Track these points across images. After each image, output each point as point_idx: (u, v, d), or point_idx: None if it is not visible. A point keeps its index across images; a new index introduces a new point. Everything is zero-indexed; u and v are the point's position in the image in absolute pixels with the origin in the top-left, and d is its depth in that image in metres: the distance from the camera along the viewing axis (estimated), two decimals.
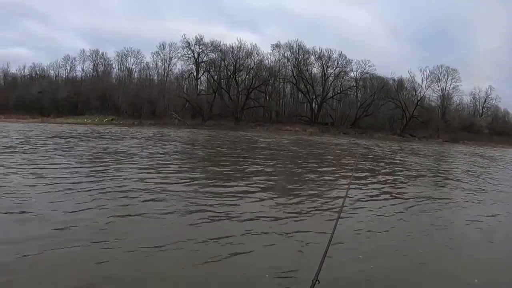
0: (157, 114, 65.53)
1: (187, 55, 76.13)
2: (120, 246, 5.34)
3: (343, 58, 78.46)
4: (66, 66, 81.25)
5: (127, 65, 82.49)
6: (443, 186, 13.23)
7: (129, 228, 6.16)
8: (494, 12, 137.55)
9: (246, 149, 22.89)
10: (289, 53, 79.03)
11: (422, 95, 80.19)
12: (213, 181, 10.90)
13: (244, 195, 9.13)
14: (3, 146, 16.91)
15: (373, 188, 11.38)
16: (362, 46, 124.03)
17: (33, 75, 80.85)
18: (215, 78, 76.60)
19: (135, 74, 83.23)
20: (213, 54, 76.39)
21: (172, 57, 79.15)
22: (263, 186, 10.52)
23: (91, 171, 11.38)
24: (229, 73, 76.07)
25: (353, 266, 5.27)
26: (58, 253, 4.97)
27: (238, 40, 79.88)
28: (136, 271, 4.67)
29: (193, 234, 6.02)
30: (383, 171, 15.95)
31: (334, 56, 78.13)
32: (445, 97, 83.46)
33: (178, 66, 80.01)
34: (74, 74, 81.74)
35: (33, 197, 7.69)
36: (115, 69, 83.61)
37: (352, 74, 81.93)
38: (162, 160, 14.84)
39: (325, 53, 78.16)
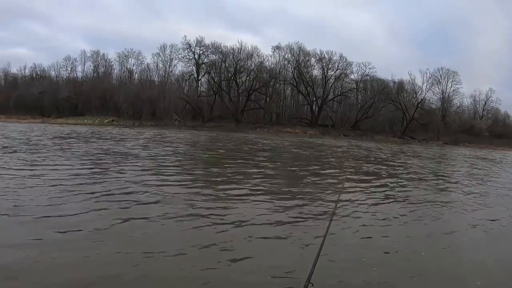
0: (158, 116, 65.57)
1: (187, 56, 76.30)
2: (120, 249, 5.34)
3: (344, 60, 78.56)
4: (66, 67, 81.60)
5: (128, 66, 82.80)
6: (445, 189, 13.20)
7: (129, 231, 6.14)
8: (494, 14, 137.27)
9: (247, 151, 22.85)
10: (289, 55, 79.19)
11: (422, 98, 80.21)
12: (214, 183, 10.86)
13: (246, 198, 9.11)
14: (3, 147, 16.91)
15: (375, 191, 11.35)
16: (362, 48, 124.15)
17: (34, 76, 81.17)
18: (215, 80, 76.70)
19: (136, 75, 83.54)
20: (213, 55, 76.50)
21: (172, 59, 79.34)
22: (264, 189, 10.49)
23: (92, 172, 11.37)
24: (229, 74, 76.15)
25: (352, 268, 5.27)
26: (58, 255, 4.96)
27: (238, 42, 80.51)
28: (137, 271, 4.67)
29: (194, 237, 6.03)
30: (384, 174, 15.94)
31: (334, 58, 78.22)
32: (445, 100, 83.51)
33: (179, 67, 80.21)
34: (75, 75, 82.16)
35: (33, 199, 7.67)
36: (115, 70, 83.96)
37: (352, 76, 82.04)
38: (163, 162, 14.81)
39: (326, 55, 78.26)
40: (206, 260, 5.14)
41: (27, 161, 12.93)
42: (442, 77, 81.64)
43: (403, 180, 14.37)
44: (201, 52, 75.82)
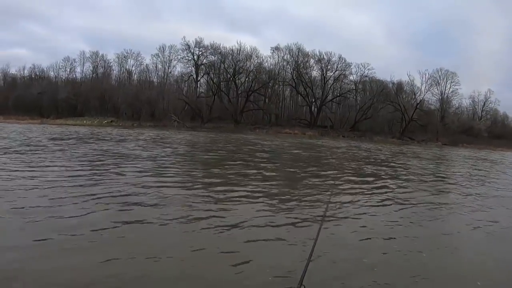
0: (157, 116, 65.61)
1: (186, 57, 76.50)
2: (121, 250, 5.32)
3: (343, 61, 78.71)
4: (66, 68, 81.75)
5: (127, 67, 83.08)
6: (445, 190, 13.20)
7: (130, 232, 6.14)
8: (493, 14, 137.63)
9: (247, 152, 22.82)
10: (288, 56, 79.42)
11: (421, 99, 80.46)
12: (214, 185, 10.83)
13: (246, 200, 9.09)
14: (3, 148, 16.90)
15: (375, 193, 11.36)
16: (361, 49, 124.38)
17: (33, 76, 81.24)
18: (214, 81, 76.83)
19: (135, 76, 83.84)
20: (212, 56, 76.73)
21: (171, 60, 79.65)
22: (264, 190, 10.48)
23: (92, 174, 11.35)
24: (228, 75, 76.28)
25: (353, 268, 5.28)
26: (59, 256, 4.97)
27: (237, 43, 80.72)
28: (137, 272, 4.67)
29: (194, 238, 6.03)
30: (384, 175, 15.92)
31: (333, 59, 78.41)
32: (444, 101, 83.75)
33: (178, 68, 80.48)
34: (74, 76, 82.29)
35: (33, 201, 7.65)
36: (114, 71, 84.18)
37: (351, 77, 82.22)
38: (163, 163, 14.81)
39: (325, 56, 78.45)
40: (207, 261, 5.14)
41: (26, 162, 12.92)
42: (441, 78, 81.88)
43: (403, 181, 14.39)
44: (200, 53, 76.05)
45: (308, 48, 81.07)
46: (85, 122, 57.96)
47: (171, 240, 5.89)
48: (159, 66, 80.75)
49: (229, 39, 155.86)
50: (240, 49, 75.46)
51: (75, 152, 16.70)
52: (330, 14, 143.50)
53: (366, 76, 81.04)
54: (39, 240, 5.46)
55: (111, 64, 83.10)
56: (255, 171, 14.24)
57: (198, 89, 79.48)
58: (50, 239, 5.55)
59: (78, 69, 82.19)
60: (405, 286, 4.92)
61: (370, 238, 6.68)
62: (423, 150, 44.15)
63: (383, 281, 4.91)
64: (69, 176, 10.58)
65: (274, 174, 14.08)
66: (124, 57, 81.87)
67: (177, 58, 78.30)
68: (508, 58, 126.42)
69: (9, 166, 11.91)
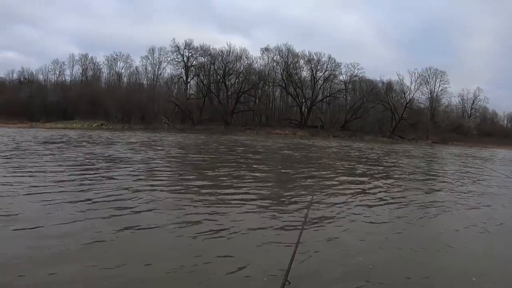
0: (147, 119, 65.30)
1: (176, 59, 76.55)
2: (114, 257, 5.25)
3: (332, 61, 79.14)
4: (55, 71, 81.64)
5: (117, 69, 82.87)
6: (438, 189, 13.13)
7: (123, 239, 6.07)
8: (483, 15, 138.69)
9: (239, 154, 22.78)
10: (278, 56, 79.63)
11: (411, 98, 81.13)
12: (207, 188, 10.75)
13: (240, 203, 9.01)
14: None
15: (369, 192, 11.36)
16: (351, 49, 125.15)
17: (22, 80, 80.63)
18: (204, 82, 76.93)
19: (125, 78, 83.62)
20: (202, 58, 76.86)
21: (161, 62, 79.49)
22: (258, 192, 10.46)
23: (84, 178, 11.17)
24: (218, 77, 76.33)
25: (348, 267, 5.26)
26: (51, 265, 4.87)
27: (227, 44, 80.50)
28: (131, 278, 4.62)
29: (187, 243, 6.00)
30: (377, 174, 15.94)
31: (323, 59, 78.83)
32: (433, 99, 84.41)
33: (168, 70, 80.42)
34: (63, 79, 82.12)
35: (24, 207, 7.52)
36: (104, 74, 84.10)
37: (341, 77, 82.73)
38: (155, 166, 14.74)
39: (314, 57, 78.81)
40: (202, 266, 5.11)
41: (16, 167, 12.76)
42: (430, 77, 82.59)
43: (396, 180, 14.47)
44: (190, 54, 76.10)
45: (298, 48, 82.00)
46: (75, 125, 57.70)
47: (165, 246, 5.84)
48: (149, 68, 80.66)
49: (219, 40, 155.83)
50: (230, 50, 75.69)
51: (66, 156, 16.52)
52: (320, 15, 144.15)
53: (356, 76, 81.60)
54: (30, 249, 5.35)
55: (101, 66, 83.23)
56: (247, 172, 14.23)
57: (188, 91, 79.50)
58: (41, 248, 5.42)
59: (68, 72, 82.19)
60: (400, 284, 4.96)
61: (363, 238, 6.68)
62: (414, 148, 44.36)
63: (378, 281, 4.93)
64: (60, 181, 10.44)
65: (267, 175, 14.06)
66: (114, 59, 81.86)
67: (167, 60, 78.36)
68: (497, 58, 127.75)
69: None
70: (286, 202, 9.45)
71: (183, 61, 75.89)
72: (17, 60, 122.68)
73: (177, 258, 5.37)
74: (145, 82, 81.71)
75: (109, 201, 8.45)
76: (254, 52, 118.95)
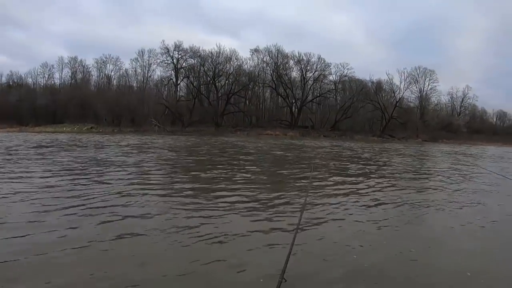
0: (137, 122, 64.93)
1: (166, 61, 76.09)
2: (108, 264, 5.21)
3: (322, 61, 79.25)
4: (44, 74, 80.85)
5: (106, 72, 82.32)
6: (432, 187, 13.18)
7: (117, 245, 6.01)
8: (472, 15, 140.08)
9: (232, 155, 22.73)
10: (268, 57, 79.44)
11: (400, 97, 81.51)
12: (201, 191, 10.73)
13: (234, 205, 8.98)
14: None
15: (363, 193, 11.36)
16: (341, 50, 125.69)
17: (11, 83, 79.89)
18: (194, 84, 76.64)
19: (114, 81, 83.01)
20: (192, 59, 76.50)
21: (151, 64, 79.06)
22: (252, 194, 10.44)
23: (76, 184, 11.06)
24: (208, 78, 76.12)
25: (344, 266, 5.31)
26: (43, 274, 4.81)
27: (217, 46, 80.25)
28: (128, 284, 4.61)
29: (184, 248, 5.98)
30: (370, 173, 15.98)
31: (313, 60, 78.92)
32: (423, 98, 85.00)
33: (158, 72, 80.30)
34: (53, 82, 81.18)
35: (14, 214, 7.45)
36: (94, 77, 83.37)
37: (331, 78, 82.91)
38: (148, 170, 14.64)
39: (304, 57, 78.85)
40: (198, 270, 5.09)
41: (6, 172, 12.66)
42: (420, 76, 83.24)
43: (389, 179, 14.54)
44: (179, 56, 75.78)
45: (288, 49, 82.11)
46: (64, 129, 57.27)
47: (160, 250, 5.81)
48: (139, 70, 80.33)
49: (208, 41, 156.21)
50: (220, 52, 75.45)
51: (58, 161, 16.38)
52: (309, 15, 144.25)
53: (346, 76, 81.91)
54: (22, 257, 5.29)
55: (90, 69, 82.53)
56: (241, 174, 14.23)
57: (178, 93, 79.17)
58: (33, 256, 5.35)
59: (57, 75, 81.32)
60: (396, 281, 5.01)
61: (358, 237, 6.71)
62: (404, 147, 44.59)
63: (373, 279, 4.99)
64: (52, 186, 10.38)
65: (260, 177, 14.07)
66: (103, 62, 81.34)
67: (157, 62, 77.92)
68: (486, 56, 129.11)
69: None
70: (280, 203, 9.42)
71: (173, 63, 75.66)
72: (6, 63, 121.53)
73: (173, 262, 5.35)
74: (135, 84, 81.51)
75: (102, 206, 8.37)
76: (244, 53, 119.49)
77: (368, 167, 19.16)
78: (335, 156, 26.00)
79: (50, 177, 12.09)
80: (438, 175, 17.01)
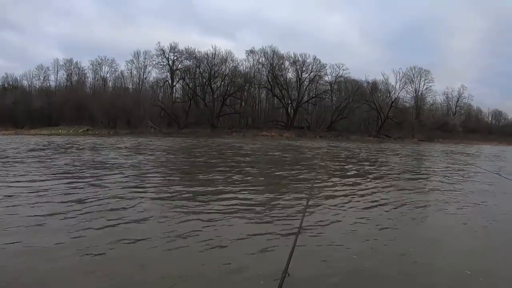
0: (133, 123, 64.90)
1: (161, 63, 76.19)
2: (104, 270, 5.10)
3: (318, 62, 79.48)
4: (39, 76, 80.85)
5: (102, 74, 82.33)
6: (431, 187, 13.20)
7: (117, 251, 5.91)
8: (466, 14, 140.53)
9: (230, 157, 22.70)
10: (263, 58, 79.75)
11: (396, 97, 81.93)
12: (200, 194, 10.57)
13: (235, 209, 8.90)
14: None
15: (363, 194, 11.32)
16: (336, 50, 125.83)
17: (6, 86, 79.61)
18: (190, 86, 76.64)
19: (110, 83, 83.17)
20: (188, 61, 76.65)
21: (146, 65, 79.29)
22: (252, 197, 10.39)
23: (73, 187, 10.97)
24: (204, 80, 76.19)
25: (344, 265, 5.32)
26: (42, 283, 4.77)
27: (212, 47, 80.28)
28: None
29: (183, 253, 5.91)
30: (369, 174, 16.01)
31: (308, 60, 79.11)
32: (418, 98, 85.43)
33: (153, 74, 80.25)
34: (48, 84, 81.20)
35: (12, 219, 7.35)
36: (89, 78, 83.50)
37: (326, 78, 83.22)
38: (146, 173, 14.57)
39: (300, 58, 79.10)
40: (199, 273, 5.08)
41: (2, 176, 12.58)
42: (415, 76, 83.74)
43: (388, 180, 14.55)
44: (175, 58, 75.89)
45: (283, 50, 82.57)
46: (60, 131, 57.22)
47: (160, 255, 5.74)
48: (134, 72, 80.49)
49: (204, 43, 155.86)
50: (215, 53, 75.72)
51: (55, 164, 16.30)
52: (304, 16, 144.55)
53: (341, 77, 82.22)
54: (21, 262, 5.24)
55: (86, 71, 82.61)
56: (240, 176, 14.17)
57: (174, 95, 79.24)
58: (32, 260, 5.32)
59: (52, 78, 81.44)
60: (397, 280, 5.02)
61: (359, 239, 6.70)
62: (401, 147, 44.71)
63: (374, 279, 4.99)
64: (49, 190, 10.28)
65: (259, 178, 14.03)
66: (99, 64, 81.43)
67: (152, 63, 78.08)
68: (481, 56, 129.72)
69: None
70: (280, 206, 9.38)
71: (169, 64, 75.68)
72: (1, 65, 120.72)
73: (173, 266, 5.32)
74: (130, 86, 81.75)
75: (100, 210, 8.30)
76: (240, 55, 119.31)
77: (367, 167, 19.20)
78: (333, 157, 25.94)
79: (47, 180, 12.02)
80: (436, 175, 17.08)
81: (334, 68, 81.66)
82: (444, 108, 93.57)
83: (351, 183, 13.52)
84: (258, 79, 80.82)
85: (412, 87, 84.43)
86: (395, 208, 9.50)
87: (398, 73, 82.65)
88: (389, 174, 16.72)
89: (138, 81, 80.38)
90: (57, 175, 13.22)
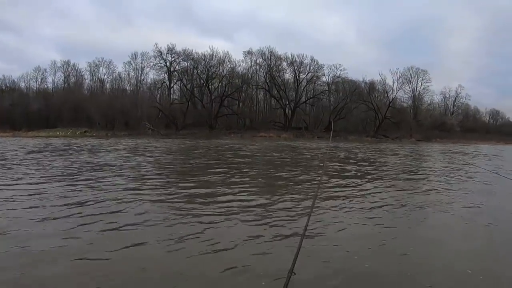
0: (131, 125, 64.80)
1: (159, 64, 76.22)
2: (102, 275, 5.01)
3: (315, 63, 79.66)
4: (37, 78, 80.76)
5: (99, 75, 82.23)
6: (431, 188, 13.13)
7: (117, 255, 5.83)
8: (463, 14, 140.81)
9: (229, 158, 22.69)
10: (261, 59, 79.80)
11: (393, 97, 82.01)
12: (200, 196, 10.52)
13: (237, 210, 8.88)
14: None
15: (362, 194, 11.30)
16: (333, 51, 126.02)
17: (3, 88, 79.41)
18: (188, 87, 76.59)
19: (107, 84, 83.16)
20: (185, 62, 76.71)
21: (144, 67, 79.27)
22: (252, 198, 10.37)
23: (73, 190, 10.93)
24: (201, 81, 76.27)
25: (345, 265, 5.37)
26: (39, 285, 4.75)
27: (210, 48, 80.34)
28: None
29: (186, 255, 5.86)
30: (369, 174, 16.03)
31: (306, 61, 79.37)
32: (416, 98, 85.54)
33: (151, 75, 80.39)
34: (45, 86, 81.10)
35: (11, 223, 7.32)
36: (87, 80, 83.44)
37: (324, 79, 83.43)
38: (145, 175, 14.57)
39: (297, 59, 79.24)
40: (201, 275, 5.06)
41: (0, 179, 12.52)
42: (412, 76, 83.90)
43: (389, 180, 14.60)
44: (172, 59, 75.91)
45: (281, 51, 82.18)
46: (58, 133, 57.12)
47: (162, 258, 5.72)
48: (132, 73, 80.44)
49: (201, 44, 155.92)
50: (213, 54, 75.70)
51: (53, 166, 16.26)
52: (301, 17, 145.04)
53: (339, 77, 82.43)
54: (19, 266, 5.18)
55: (83, 73, 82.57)
56: (240, 178, 14.16)
57: (171, 96, 79.31)
58: (30, 263, 5.27)
59: (50, 79, 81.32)
60: (399, 280, 5.02)
61: (362, 239, 6.71)
62: (399, 147, 44.80)
63: (373, 281, 4.99)
64: (48, 193, 10.23)
65: (260, 180, 14.03)
66: (96, 65, 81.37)
67: (150, 65, 78.09)
68: (478, 56, 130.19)
69: None
70: (281, 207, 9.35)
71: (166, 66, 75.71)
72: None
73: (175, 268, 5.30)
74: (128, 88, 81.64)
75: (100, 213, 8.25)
76: (237, 56, 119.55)
77: (366, 167, 19.21)
78: (332, 157, 25.87)
79: (46, 182, 11.98)
80: (435, 175, 17.06)
81: (332, 68, 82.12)
82: (442, 108, 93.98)
83: (351, 183, 13.50)
84: (256, 80, 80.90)
85: (409, 87, 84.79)
86: (395, 209, 9.49)
87: (395, 73, 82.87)
88: (389, 174, 16.74)
89: (135, 82, 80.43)
90: (55, 177, 13.17)
